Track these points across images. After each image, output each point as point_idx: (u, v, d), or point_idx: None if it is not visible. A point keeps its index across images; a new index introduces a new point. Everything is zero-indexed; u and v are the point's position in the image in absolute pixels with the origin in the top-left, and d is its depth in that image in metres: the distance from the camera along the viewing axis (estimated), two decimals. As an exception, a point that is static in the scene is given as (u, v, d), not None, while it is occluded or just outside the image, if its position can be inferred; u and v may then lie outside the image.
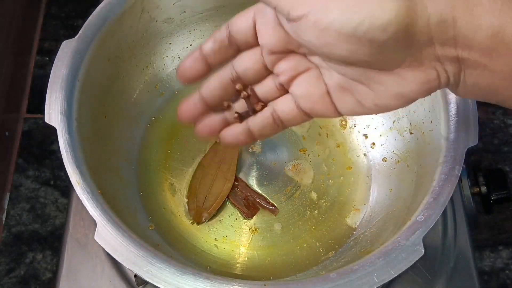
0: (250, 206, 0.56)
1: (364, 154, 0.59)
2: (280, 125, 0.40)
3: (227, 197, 0.56)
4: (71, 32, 0.83)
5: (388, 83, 0.34)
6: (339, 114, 0.37)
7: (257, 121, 0.40)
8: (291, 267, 0.53)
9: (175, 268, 0.39)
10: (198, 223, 0.54)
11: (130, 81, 0.58)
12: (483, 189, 0.57)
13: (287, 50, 0.37)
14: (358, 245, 0.52)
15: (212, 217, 0.55)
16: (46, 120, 0.46)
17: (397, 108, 0.35)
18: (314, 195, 0.57)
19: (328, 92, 0.37)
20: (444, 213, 0.53)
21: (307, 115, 0.38)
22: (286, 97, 0.39)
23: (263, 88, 0.39)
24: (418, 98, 0.35)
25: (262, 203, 0.56)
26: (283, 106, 0.39)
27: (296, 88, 0.38)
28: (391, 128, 0.58)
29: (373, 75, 0.34)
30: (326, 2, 0.31)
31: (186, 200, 0.56)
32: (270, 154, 0.59)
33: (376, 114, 0.39)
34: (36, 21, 0.84)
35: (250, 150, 0.59)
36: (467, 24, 0.31)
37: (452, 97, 0.48)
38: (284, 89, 0.39)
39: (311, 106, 0.38)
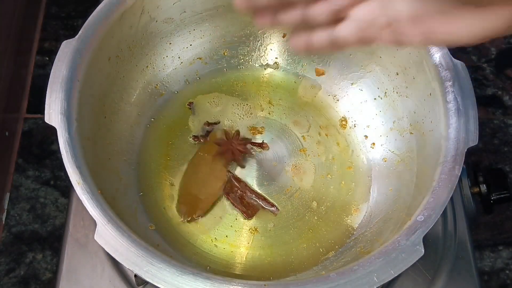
0: (250, 207, 0.56)
1: (364, 154, 0.59)
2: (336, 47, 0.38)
3: (228, 197, 0.56)
4: (71, 32, 0.83)
5: (469, 18, 0.32)
6: (402, 44, 0.36)
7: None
8: (291, 267, 0.53)
9: (175, 268, 0.39)
10: (189, 222, 0.54)
11: (130, 81, 0.58)
12: (483, 189, 0.57)
13: None
14: (358, 245, 0.52)
15: (204, 215, 0.55)
16: (46, 120, 0.46)
17: (468, 43, 0.33)
18: (314, 195, 0.57)
19: (395, 21, 0.35)
20: (444, 213, 0.53)
21: (366, 41, 0.37)
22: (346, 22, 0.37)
23: (316, 11, 0.37)
24: (494, 36, 0.33)
25: (262, 203, 0.56)
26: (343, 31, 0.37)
27: (359, 13, 0.36)
28: (391, 128, 0.58)
29: (454, 9, 0.32)
30: None
31: (177, 197, 0.56)
32: (270, 154, 0.59)
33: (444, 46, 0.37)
34: (36, 21, 0.84)
35: (250, 149, 0.59)
36: None
37: (452, 97, 0.48)
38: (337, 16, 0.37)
39: (374, 32, 0.36)
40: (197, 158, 0.58)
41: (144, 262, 0.40)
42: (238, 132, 0.59)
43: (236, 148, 0.57)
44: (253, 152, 0.58)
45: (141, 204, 0.55)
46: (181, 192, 0.56)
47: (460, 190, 0.58)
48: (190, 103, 0.61)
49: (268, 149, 0.59)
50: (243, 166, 0.57)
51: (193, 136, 0.59)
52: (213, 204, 0.55)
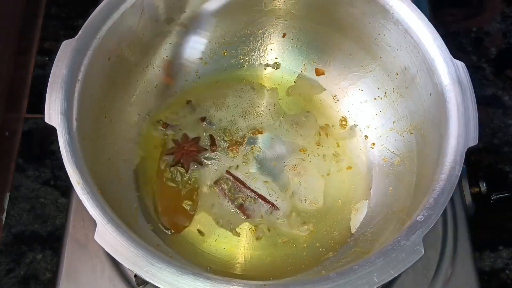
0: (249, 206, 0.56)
1: (364, 154, 0.59)
2: None
3: (227, 197, 0.56)
4: (71, 32, 0.83)
5: None
6: None
7: None
8: (291, 268, 0.53)
9: (175, 268, 0.39)
10: (178, 232, 0.54)
11: (130, 81, 0.58)
12: (483, 189, 0.57)
13: None
14: (358, 245, 0.52)
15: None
16: (46, 120, 0.46)
17: None
18: (314, 196, 0.57)
19: None
20: (444, 213, 0.53)
21: None
22: None
23: None
24: None
25: (262, 202, 0.56)
26: None
27: None
28: (391, 128, 0.58)
29: None
30: None
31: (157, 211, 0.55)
32: (270, 154, 0.59)
33: None
34: (36, 21, 0.84)
35: (250, 149, 0.59)
36: None
37: (452, 97, 0.48)
38: None
39: None
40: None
41: (144, 262, 0.40)
42: (196, 138, 0.59)
43: (188, 150, 0.57)
44: (202, 159, 0.58)
45: (141, 204, 0.55)
46: (159, 204, 0.55)
47: (460, 190, 0.58)
48: (189, 101, 0.61)
49: (215, 150, 0.59)
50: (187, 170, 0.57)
51: (163, 123, 0.59)
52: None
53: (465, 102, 0.48)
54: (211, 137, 0.59)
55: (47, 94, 0.47)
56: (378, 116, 0.59)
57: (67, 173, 0.43)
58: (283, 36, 0.63)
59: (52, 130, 0.45)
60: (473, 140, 0.46)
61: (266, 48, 0.64)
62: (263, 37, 0.63)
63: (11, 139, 0.74)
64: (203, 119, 0.60)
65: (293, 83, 0.64)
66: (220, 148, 0.59)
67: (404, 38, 0.53)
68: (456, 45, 0.86)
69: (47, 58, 0.81)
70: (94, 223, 0.41)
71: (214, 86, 0.63)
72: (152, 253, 0.40)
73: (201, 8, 0.59)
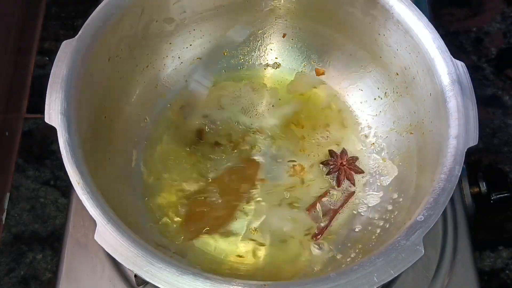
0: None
1: (364, 154, 0.59)
2: None
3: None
4: (71, 32, 0.83)
5: None
6: None
7: None
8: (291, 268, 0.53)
9: (175, 268, 0.39)
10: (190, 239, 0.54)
11: (130, 81, 0.58)
12: (483, 189, 0.57)
13: None
14: (358, 245, 0.52)
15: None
16: (46, 120, 0.46)
17: None
18: (314, 195, 0.57)
19: None
20: (444, 213, 0.53)
21: None
22: None
23: None
24: None
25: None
26: None
27: None
28: (391, 129, 0.58)
29: None
30: None
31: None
32: (270, 154, 0.59)
33: None
34: (36, 21, 0.84)
35: (250, 149, 0.59)
36: None
37: (452, 97, 0.48)
38: None
39: None
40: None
41: (144, 262, 0.40)
42: (354, 158, 0.59)
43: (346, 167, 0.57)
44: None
45: (141, 204, 0.55)
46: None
47: (460, 190, 0.58)
48: (182, 107, 0.61)
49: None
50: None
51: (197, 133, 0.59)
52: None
53: (465, 102, 0.48)
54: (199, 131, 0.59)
55: (47, 94, 0.47)
56: (378, 116, 0.59)
57: (67, 173, 0.43)
58: (283, 36, 0.63)
59: (52, 130, 0.45)
60: (473, 140, 0.46)
61: (266, 48, 0.64)
62: (263, 37, 0.63)
63: (11, 139, 0.74)
64: (204, 118, 0.60)
65: (293, 83, 0.64)
66: (221, 148, 0.59)
67: (404, 38, 0.53)
68: (456, 45, 0.86)
69: (47, 58, 0.81)
70: (94, 223, 0.41)
71: (214, 86, 0.63)
72: (152, 253, 0.40)
73: (201, 8, 0.59)
